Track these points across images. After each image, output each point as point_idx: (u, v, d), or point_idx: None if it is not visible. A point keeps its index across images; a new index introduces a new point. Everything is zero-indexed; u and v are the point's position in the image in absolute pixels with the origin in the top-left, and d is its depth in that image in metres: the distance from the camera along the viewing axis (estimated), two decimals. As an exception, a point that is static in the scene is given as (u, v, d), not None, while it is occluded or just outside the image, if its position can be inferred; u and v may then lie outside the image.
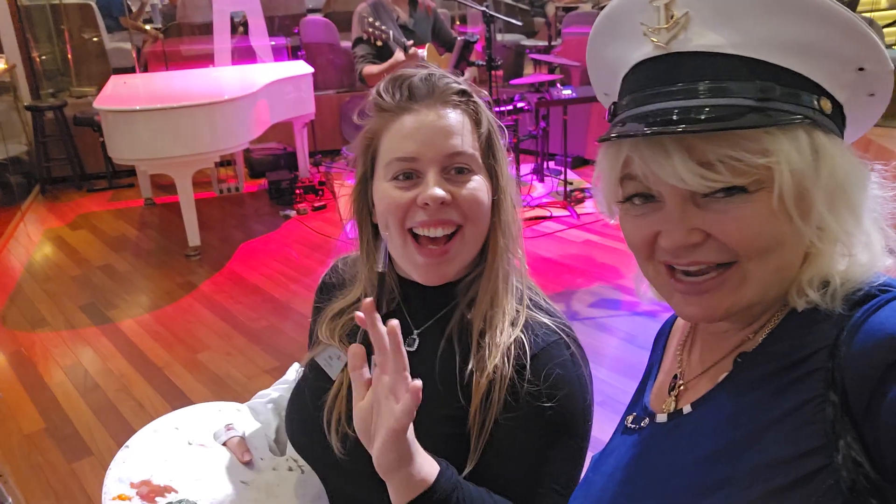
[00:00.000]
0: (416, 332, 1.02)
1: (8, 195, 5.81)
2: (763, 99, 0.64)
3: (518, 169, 5.19)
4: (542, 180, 5.58)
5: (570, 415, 0.95)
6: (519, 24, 3.79)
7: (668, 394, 0.81)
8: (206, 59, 6.27)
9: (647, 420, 0.80)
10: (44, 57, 6.71)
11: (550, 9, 7.85)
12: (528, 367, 0.94)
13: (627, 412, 0.87)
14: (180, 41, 7.36)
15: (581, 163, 6.07)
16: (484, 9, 3.17)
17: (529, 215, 4.92)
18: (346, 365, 0.99)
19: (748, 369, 0.70)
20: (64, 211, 5.72)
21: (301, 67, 5.52)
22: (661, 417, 0.78)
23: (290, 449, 1.12)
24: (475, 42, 3.52)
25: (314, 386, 1.05)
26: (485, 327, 0.97)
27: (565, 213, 4.97)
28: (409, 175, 0.94)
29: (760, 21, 0.64)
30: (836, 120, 0.68)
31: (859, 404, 0.58)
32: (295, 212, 5.27)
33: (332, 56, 6.82)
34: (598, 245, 4.50)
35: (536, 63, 6.44)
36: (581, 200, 5.16)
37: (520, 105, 5.05)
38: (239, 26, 6.80)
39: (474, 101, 0.99)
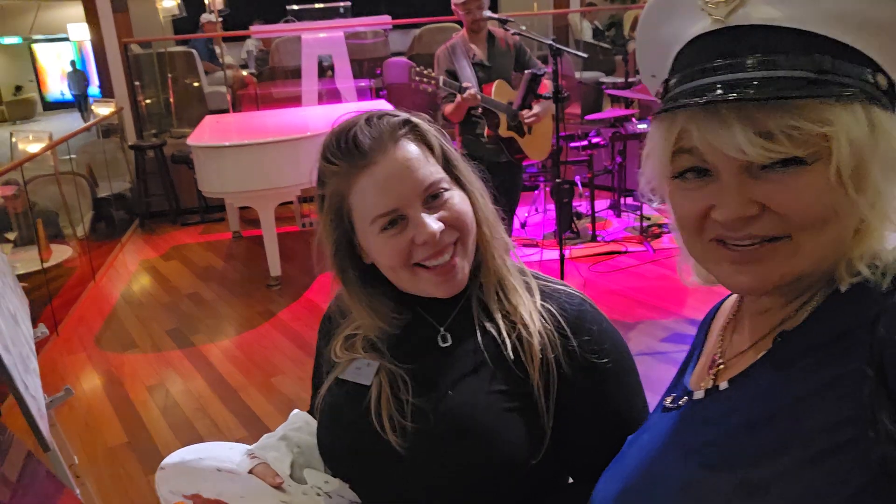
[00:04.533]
0: (442, 328, 1.04)
1: (111, 228, 6.23)
2: (821, 71, 0.64)
3: (593, 205, 5.17)
4: (618, 216, 5.53)
5: (624, 359, 1.00)
6: (584, 56, 3.82)
7: (707, 373, 0.81)
8: (295, 101, 6.61)
9: (685, 399, 0.81)
10: (148, 101, 7.22)
11: (631, 46, 7.85)
12: (568, 329, 0.98)
13: (667, 394, 0.88)
14: (273, 84, 7.78)
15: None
16: (551, 42, 3.22)
17: (604, 250, 4.88)
18: (378, 369, 1.02)
19: (788, 347, 0.70)
20: (159, 243, 6.07)
21: (381, 105, 5.71)
22: (699, 394, 0.79)
23: (310, 479, 1.10)
24: (542, 75, 3.58)
25: (349, 399, 1.03)
26: (504, 304, 1.01)
27: (641, 248, 4.90)
28: (395, 222, 0.96)
29: None
30: (892, 96, 0.67)
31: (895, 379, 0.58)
32: (372, 245, 5.40)
33: (413, 96, 7.03)
34: (673, 279, 4.40)
35: (614, 99, 6.44)
36: (658, 236, 5.08)
37: (595, 140, 5.05)
38: (327, 70, 7.13)
39: (417, 126, 1.00)
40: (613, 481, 0.84)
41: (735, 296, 0.87)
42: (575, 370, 0.97)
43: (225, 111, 6.77)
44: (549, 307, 1.00)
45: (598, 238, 5.08)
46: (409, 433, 0.96)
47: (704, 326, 0.92)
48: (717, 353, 0.83)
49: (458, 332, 1.03)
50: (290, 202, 5.83)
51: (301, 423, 1.16)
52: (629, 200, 5.62)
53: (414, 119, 1.01)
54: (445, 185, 0.99)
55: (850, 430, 0.60)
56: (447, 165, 1.01)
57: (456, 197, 0.99)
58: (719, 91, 0.65)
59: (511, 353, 0.97)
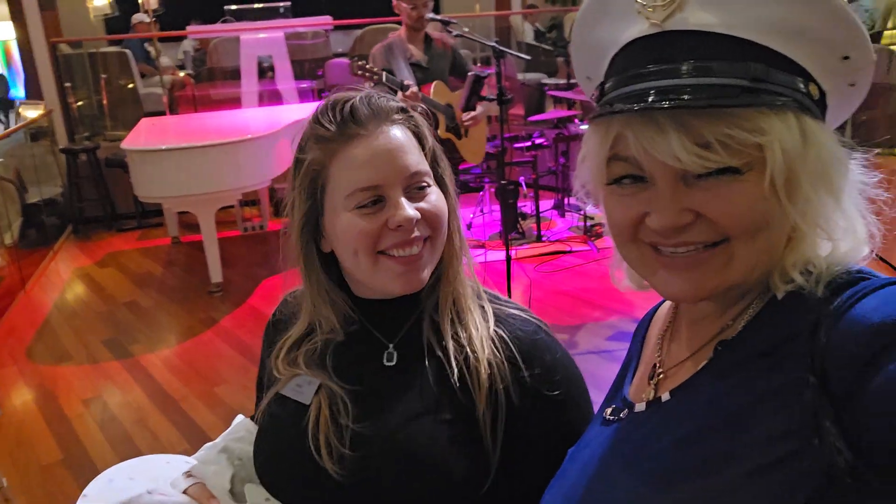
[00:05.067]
0: (391, 345, 1.01)
1: (42, 235, 5.98)
2: (756, 80, 0.64)
3: (538, 205, 5.21)
4: (562, 216, 5.59)
5: (576, 389, 0.99)
6: (527, 58, 3.86)
7: (647, 383, 0.80)
8: (235, 103, 6.46)
9: (626, 411, 0.80)
10: (80, 103, 6.97)
11: (572, 47, 7.94)
12: (519, 358, 0.95)
13: (605, 405, 0.87)
14: (211, 86, 7.60)
15: (603, 198, 6.07)
16: (493, 44, 3.23)
17: (549, 250, 4.92)
18: (318, 387, 0.98)
19: (728, 356, 0.70)
20: (94, 250, 5.86)
21: (324, 108, 5.65)
22: (640, 406, 0.78)
23: (251, 496, 1.06)
24: (486, 77, 3.58)
25: (288, 419, 0.99)
26: (456, 326, 0.97)
27: (585, 247, 4.95)
28: (374, 202, 0.93)
29: (754, 2, 0.65)
30: (821, 106, 0.69)
31: (841, 389, 0.58)
32: (317, 249, 5.33)
33: (356, 97, 6.98)
34: (617, 279, 4.47)
35: (556, 100, 6.51)
36: (601, 235, 5.14)
37: (538, 141, 5.09)
38: (267, 71, 7.01)
39: (413, 117, 0.99)
40: (556, 498, 0.82)
41: (668, 302, 0.87)
42: (524, 401, 0.94)
43: (161, 113, 6.58)
44: (503, 334, 0.97)
45: (543, 238, 5.12)
46: (348, 461, 0.92)
47: (640, 334, 0.91)
48: (655, 361, 0.82)
49: (405, 352, 1.00)
50: (231, 206, 5.70)
51: (243, 433, 1.12)
52: (573, 200, 5.68)
53: (410, 111, 0.99)
54: (429, 181, 0.97)
55: (793, 441, 0.59)
56: (433, 163, 0.99)
57: (436, 195, 0.97)
58: (653, 97, 0.65)
59: (457, 381, 0.94)
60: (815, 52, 0.66)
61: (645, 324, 0.91)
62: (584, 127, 4.94)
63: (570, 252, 4.90)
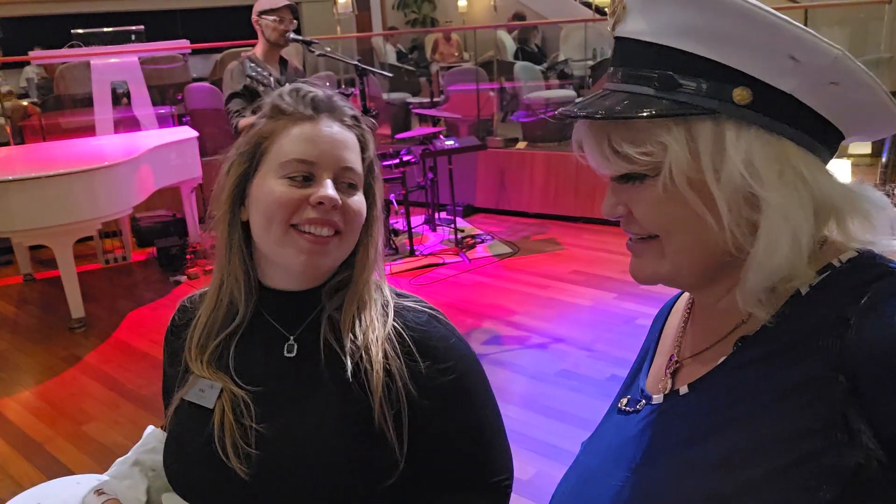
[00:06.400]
0: (291, 338, 1.04)
1: None
2: (663, 88, 0.65)
3: (409, 220, 5.31)
4: (434, 230, 5.72)
5: (471, 371, 1.05)
6: (389, 75, 3.96)
7: (665, 374, 0.80)
8: (89, 131, 6.15)
9: (643, 402, 0.80)
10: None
11: (434, 68, 8.19)
12: (414, 350, 1.01)
13: (620, 395, 0.87)
14: (60, 114, 7.19)
15: (472, 211, 6.27)
16: (356, 63, 3.30)
17: (422, 264, 5.02)
18: (221, 391, 1.00)
19: (748, 351, 0.69)
20: (-66, 294, 5.39)
21: (185, 132, 5.50)
22: (658, 398, 0.78)
23: None
24: (350, 95, 3.65)
25: (194, 423, 1.01)
26: (356, 330, 1.02)
27: (457, 258, 5.10)
28: (306, 177, 0.98)
29: (670, 8, 0.65)
30: (774, 110, 0.65)
31: (875, 392, 0.58)
32: (186, 276, 5.17)
33: (219, 122, 6.83)
34: (488, 286, 4.64)
35: (421, 118, 6.67)
36: (472, 246, 5.32)
37: (406, 158, 5.20)
38: (122, 97, 6.72)
39: (362, 127, 1.06)
40: (570, 489, 0.83)
41: (686, 294, 0.88)
42: (422, 393, 1.00)
43: (5, 144, 6.16)
44: (399, 328, 1.03)
45: (417, 252, 5.22)
46: (254, 459, 0.95)
47: (658, 324, 0.91)
48: (673, 352, 0.82)
49: (305, 345, 1.03)
50: (90, 238, 5.42)
51: (155, 443, 1.12)
52: (443, 214, 5.84)
53: (364, 124, 1.07)
54: (357, 184, 1.03)
55: (816, 440, 0.59)
56: (368, 172, 1.05)
57: (360, 199, 1.03)
58: (576, 105, 0.70)
59: (351, 377, 0.98)
60: (748, 55, 0.64)
61: (663, 315, 0.91)
62: (449, 142, 5.12)
63: (443, 264, 5.03)
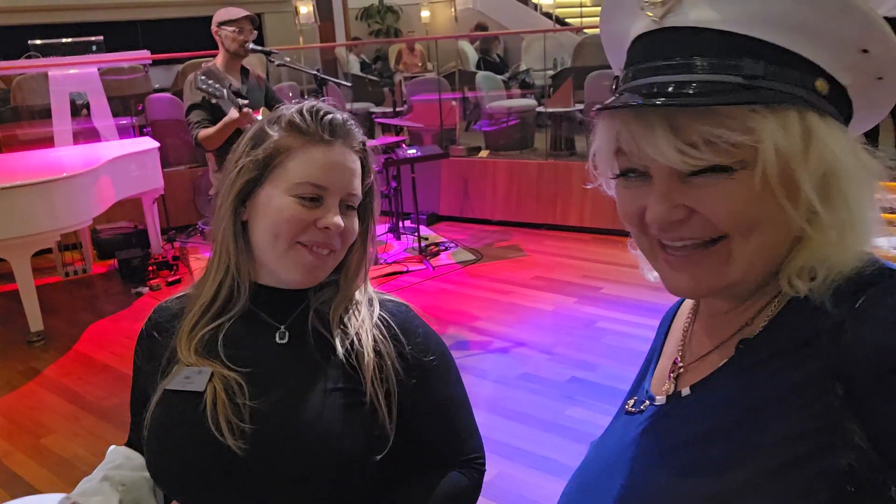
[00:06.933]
0: (282, 326, 1.09)
1: None
2: (752, 77, 0.62)
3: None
4: (398, 238, 5.76)
5: (446, 355, 1.17)
6: (348, 85, 4.00)
7: (668, 376, 0.80)
8: (47, 142, 6.07)
9: (646, 403, 0.80)
10: None
11: (397, 77, 8.24)
12: (399, 332, 1.11)
13: (628, 397, 0.87)
14: (17, 126, 7.08)
15: (436, 219, 6.33)
16: (315, 73, 3.34)
17: (387, 272, 5.05)
18: (211, 375, 1.03)
19: (750, 354, 0.69)
20: None
21: (145, 143, 5.47)
22: (661, 400, 0.78)
23: None
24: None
25: (182, 408, 1.03)
26: (343, 317, 1.10)
27: (421, 266, 5.14)
28: (314, 199, 1.05)
29: None
30: (838, 103, 0.66)
31: (868, 394, 0.59)
32: (148, 288, 5.13)
33: (181, 132, 6.79)
34: (451, 292, 4.69)
35: (384, 128, 6.72)
36: (436, 254, 5.37)
37: (369, 167, 5.22)
38: (82, 108, 6.65)
39: (368, 154, 1.13)
40: (576, 488, 0.83)
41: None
42: (408, 372, 1.09)
43: (-41, 157, 6.05)
44: (384, 315, 1.12)
45: (381, 261, 5.24)
46: (248, 435, 0.99)
47: (664, 327, 0.90)
48: (677, 356, 0.81)
49: (295, 331, 1.10)
50: (49, 250, 5.35)
51: (121, 460, 1.12)
52: (407, 223, 5.88)
53: (370, 150, 1.13)
54: (355, 206, 1.10)
55: (813, 441, 0.60)
56: (367, 195, 1.12)
57: (355, 221, 1.10)
58: (642, 95, 0.65)
59: (345, 361, 1.05)
60: (825, 46, 0.63)
61: (669, 318, 0.91)
62: (411, 151, 5.17)
63: (407, 272, 5.07)
